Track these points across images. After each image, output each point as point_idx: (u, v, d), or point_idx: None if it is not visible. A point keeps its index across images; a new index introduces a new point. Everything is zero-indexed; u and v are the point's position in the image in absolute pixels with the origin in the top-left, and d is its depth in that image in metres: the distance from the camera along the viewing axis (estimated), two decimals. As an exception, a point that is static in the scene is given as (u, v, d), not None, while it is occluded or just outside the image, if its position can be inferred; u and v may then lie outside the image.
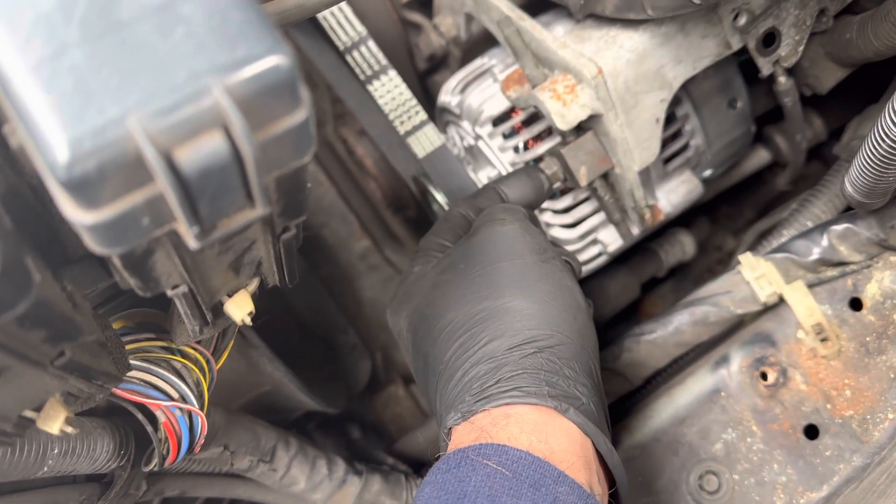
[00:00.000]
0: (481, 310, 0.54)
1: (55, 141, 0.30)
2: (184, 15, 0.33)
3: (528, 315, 0.53)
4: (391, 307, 0.64)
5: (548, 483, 0.44)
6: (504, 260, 0.57)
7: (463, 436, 0.49)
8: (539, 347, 0.51)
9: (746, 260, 0.77)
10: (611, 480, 0.53)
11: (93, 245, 0.33)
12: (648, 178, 0.81)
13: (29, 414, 0.45)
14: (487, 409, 0.49)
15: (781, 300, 0.76)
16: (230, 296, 0.47)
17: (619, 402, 0.82)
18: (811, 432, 0.73)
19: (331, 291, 1.12)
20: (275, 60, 0.32)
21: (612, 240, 0.84)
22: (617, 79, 0.69)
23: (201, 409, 0.57)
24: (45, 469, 0.53)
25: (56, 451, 0.52)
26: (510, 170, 0.82)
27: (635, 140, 0.72)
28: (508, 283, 0.55)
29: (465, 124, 0.85)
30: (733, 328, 0.79)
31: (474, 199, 0.68)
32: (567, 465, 0.46)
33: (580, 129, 0.73)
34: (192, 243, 0.35)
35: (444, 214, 0.68)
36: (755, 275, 0.76)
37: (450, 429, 0.51)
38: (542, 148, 0.79)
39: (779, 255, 0.77)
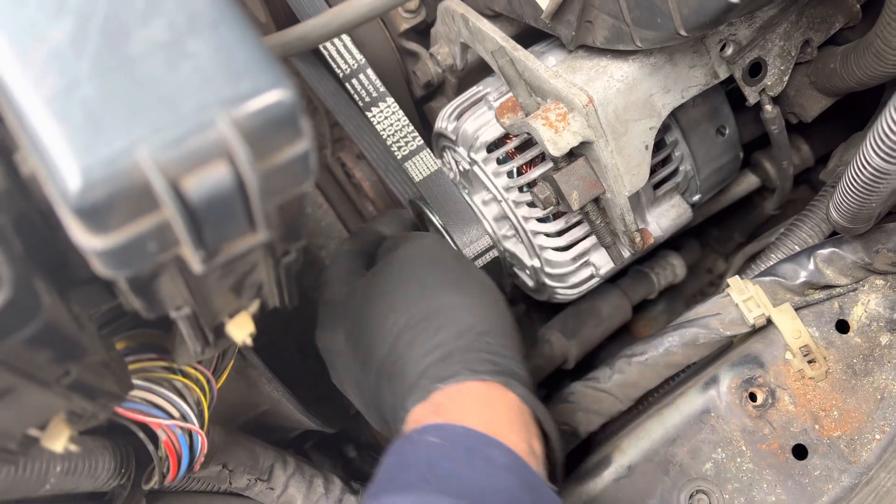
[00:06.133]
0: (423, 308, 0.60)
1: (67, 170, 0.32)
2: (191, 51, 0.34)
3: (466, 308, 0.60)
4: (324, 329, 0.69)
5: (481, 447, 0.51)
6: (435, 264, 0.65)
7: (421, 414, 0.55)
8: (479, 333, 0.59)
9: (735, 283, 0.79)
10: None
11: (100, 268, 0.35)
12: (639, 202, 0.83)
13: (33, 432, 0.46)
14: (443, 387, 0.55)
15: (769, 322, 0.78)
16: (231, 317, 0.48)
17: (610, 423, 0.84)
18: (800, 452, 0.75)
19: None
20: (278, 95, 0.34)
21: (603, 263, 0.85)
22: (607, 107, 0.71)
23: (201, 427, 0.58)
24: (48, 487, 0.54)
25: (58, 469, 0.53)
26: (504, 194, 0.83)
27: (625, 166, 0.74)
28: (443, 283, 0.63)
29: (461, 150, 0.87)
30: (722, 350, 0.81)
31: (361, 241, 0.77)
32: (506, 432, 0.53)
33: (572, 155, 0.74)
34: (197, 267, 0.37)
35: (341, 254, 0.75)
36: (743, 297, 0.78)
37: (408, 411, 0.56)
38: (534, 173, 0.81)
39: (766, 279, 0.79)
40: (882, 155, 0.59)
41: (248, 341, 0.49)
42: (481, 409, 0.54)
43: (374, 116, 0.89)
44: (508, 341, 0.60)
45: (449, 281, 0.63)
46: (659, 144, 0.82)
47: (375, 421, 0.67)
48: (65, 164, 0.32)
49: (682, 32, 0.63)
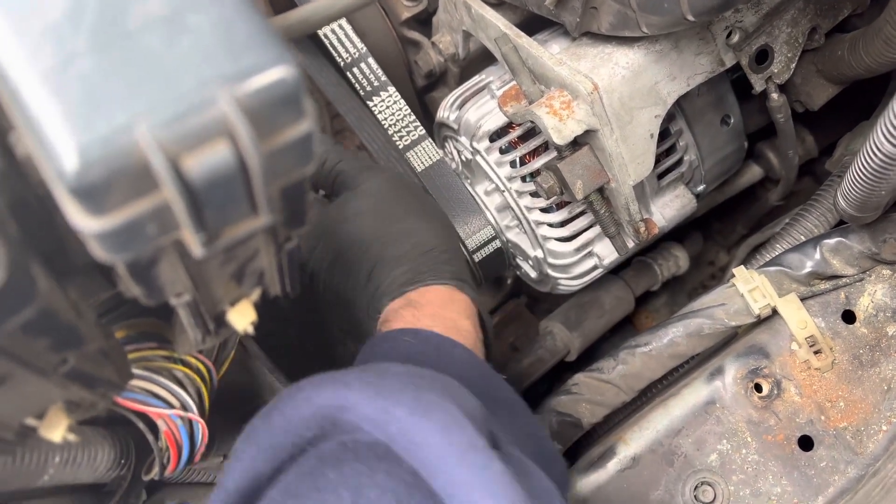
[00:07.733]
0: (399, 229, 0.72)
1: (64, 149, 0.31)
2: (191, 25, 0.33)
3: (431, 231, 0.73)
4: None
5: (447, 346, 0.63)
6: (402, 193, 0.76)
7: (395, 307, 0.68)
8: (438, 250, 0.71)
9: (740, 273, 0.78)
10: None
11: (98, 252, 0.34)
12: (643, 192, 0.82)
13: (31, 422, 0.45)
14: (416, 288, 0.68)
15: (775, 312, 0.77)
16: (233, 305, 0.48)
17: (614, 414, 0.83)
18: (806, 444, 0.74)
19: (328, 303, 1.13)
20: (281, 72, 0.33)
21: (607, 253, 0.84)
22: (612, 95, 0.71)
23: (202, 418, 0.57)
24: (46, 478, 0.53)
25: (57, 459, 0.52)
26: (507, 184, 0.83)
27: (630, 155, 0.73)
28: (407, 211, 0.74)
29: (463, 139, 0.86)
30: (727, 340, 0.80)
31: (316, 173, 0.83)
32: (463, 321, 0.67)
33: (576, 143, 0.73)
34: (197, 251, 0.36)
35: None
36: (749, 287, 0.77)
37: (384, 308, 0.69)
38: (538, 162, 0.80)
39: (772, 269, 0.78)
40: (893, 141, 0.58)
41: (250, 330, 0.48)
42: (444, 303, 0.68)
43: (375, 106, 0.88)
44: (458, 255, 0.75)
45: (417, 208, 0.75)
46: (663, 134, 0.81)
47: (344, 319, 0.80)
48: (61, 142, 0.31)
49: (690, 17, 0.62)
